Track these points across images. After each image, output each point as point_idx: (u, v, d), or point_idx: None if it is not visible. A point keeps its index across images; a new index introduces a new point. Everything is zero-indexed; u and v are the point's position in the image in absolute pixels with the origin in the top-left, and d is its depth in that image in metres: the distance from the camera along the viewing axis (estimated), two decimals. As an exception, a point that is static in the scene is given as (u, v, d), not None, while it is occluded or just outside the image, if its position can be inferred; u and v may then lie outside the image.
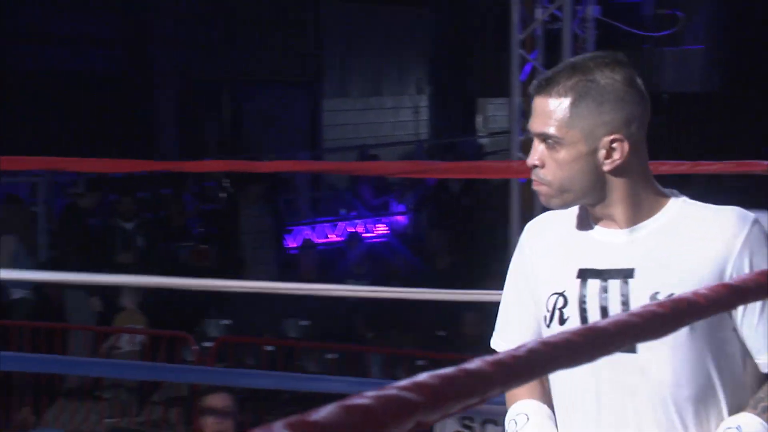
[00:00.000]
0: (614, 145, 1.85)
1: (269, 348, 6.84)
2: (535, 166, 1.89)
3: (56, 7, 12.32)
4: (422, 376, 0.91)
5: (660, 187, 1.95)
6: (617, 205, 1.89)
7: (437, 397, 0.89)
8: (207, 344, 6.86)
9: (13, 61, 12.12)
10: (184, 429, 6.77)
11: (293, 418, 0.82)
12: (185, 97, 13.57)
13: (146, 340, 7.10)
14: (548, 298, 1.94)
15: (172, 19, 13.27)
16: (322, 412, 0.82)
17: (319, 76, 14.95)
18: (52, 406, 7.01)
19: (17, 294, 7.70)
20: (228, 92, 14.12)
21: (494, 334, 2.08)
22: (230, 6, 13.76)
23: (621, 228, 1.91)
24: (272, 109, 14.30)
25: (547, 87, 1.86)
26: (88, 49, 12.73)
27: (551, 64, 7.37)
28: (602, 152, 1.85)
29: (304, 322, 7.70)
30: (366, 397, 0.85)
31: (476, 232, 9.59)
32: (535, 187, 1.91)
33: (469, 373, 0.93)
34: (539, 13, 6.67)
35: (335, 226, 11.66)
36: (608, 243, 1.92)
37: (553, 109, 1.86)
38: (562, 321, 1.91)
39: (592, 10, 6.87)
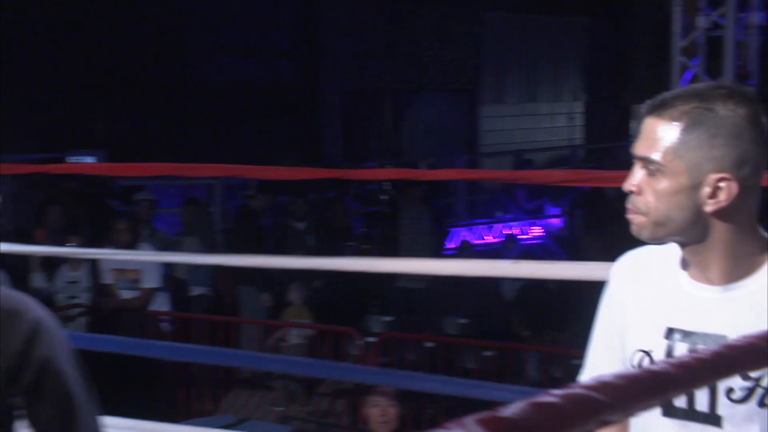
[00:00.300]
0: (721, 184, 1.64)
1: (429, 344, 6.86)
2: (632, 192, 1.71)
3: (233, 22, 12.84)
4: (608, 376, 0.90)
5: (767, 236, 1.72)
6: (713, 254, 1.70)
7: (622, 397, 0.89)
8: (370, 339, 6.94)
9: (194, 73, 12.73)
10: (349, 419, 6.87)
11: (484, 414, 0.82)
12: (350, 104, 13.87)
13: (313, 334, 7.25)
14: (634, 353, 1.81)
15: (338, 32, 13.59)
16: (512, 409, 0.83)
17: (477, 83, 15.04)
18: (228, 394, 7.22)
19: (196, 291, 8.07)
20: (390, 99, 14.31)
21: (584, 372, 1.95)
22: (393, 18, 14.00)
23: (715, 284, 1.72)
24: (431, 116, 14.47)
25: (660, 109, 1.67)
26: (261, 60, 13.14)
27: (713, 71, 7.25)
28: (706, 190, 1.65)
29: (462, 320, 7.80)
30: (554, 395, 0.85)
31: (630, 236, 9.49)
32: (629, 215, 1.73)
33: (654, 375, 0.93)
34: (701, 21, 6.59)
35: (491, 228, 11.76)
36: (700, 299, 1.73)
37: (661, 134, 1.66)
38: None
39: (756, 17, 6.65)
